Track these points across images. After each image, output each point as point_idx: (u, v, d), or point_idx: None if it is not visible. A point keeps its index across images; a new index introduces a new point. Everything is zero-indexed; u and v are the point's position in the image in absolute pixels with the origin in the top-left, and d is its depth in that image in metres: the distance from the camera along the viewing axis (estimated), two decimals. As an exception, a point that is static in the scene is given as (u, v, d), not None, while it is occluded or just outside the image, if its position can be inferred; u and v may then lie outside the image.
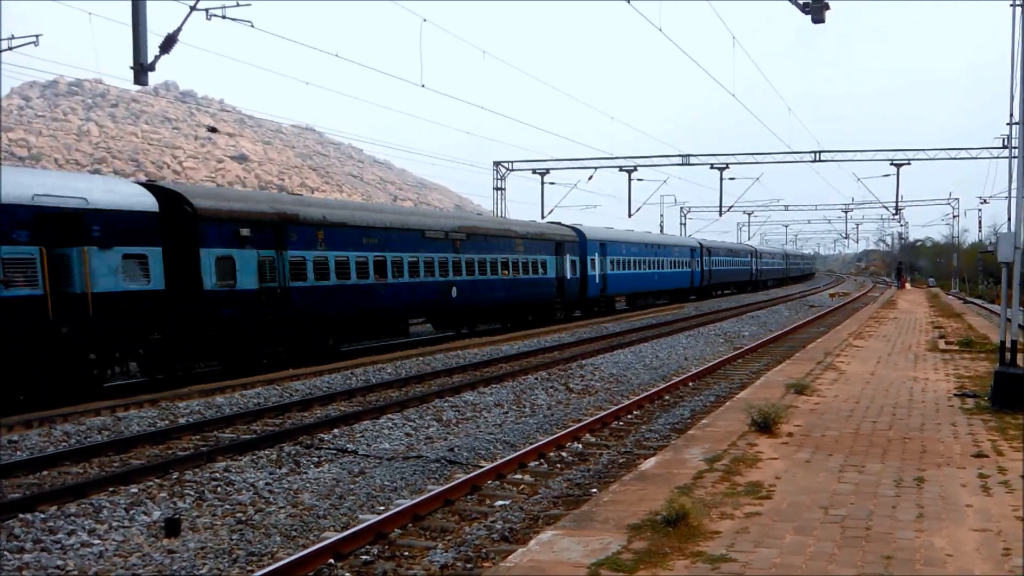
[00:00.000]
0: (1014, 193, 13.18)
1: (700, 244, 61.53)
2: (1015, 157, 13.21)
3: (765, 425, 10.40)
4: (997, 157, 45.76)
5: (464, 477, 10.52)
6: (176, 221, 18.12)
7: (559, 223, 40.82)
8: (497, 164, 48.93)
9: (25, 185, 15.43)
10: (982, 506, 7.28)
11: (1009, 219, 16.23)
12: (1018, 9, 12.68)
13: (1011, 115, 13.54)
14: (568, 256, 37.64)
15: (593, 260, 40.22)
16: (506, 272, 32.35)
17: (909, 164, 48.31)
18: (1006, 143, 33.18)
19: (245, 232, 19.66)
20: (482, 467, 11.18)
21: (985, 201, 69.41)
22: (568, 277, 37.54)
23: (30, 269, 14.99)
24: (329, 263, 22.37)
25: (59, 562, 8.07)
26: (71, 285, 15.73)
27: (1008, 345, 12.47)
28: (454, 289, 28.48)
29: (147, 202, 17.56)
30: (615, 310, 44.89)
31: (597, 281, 40.82)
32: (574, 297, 38.78)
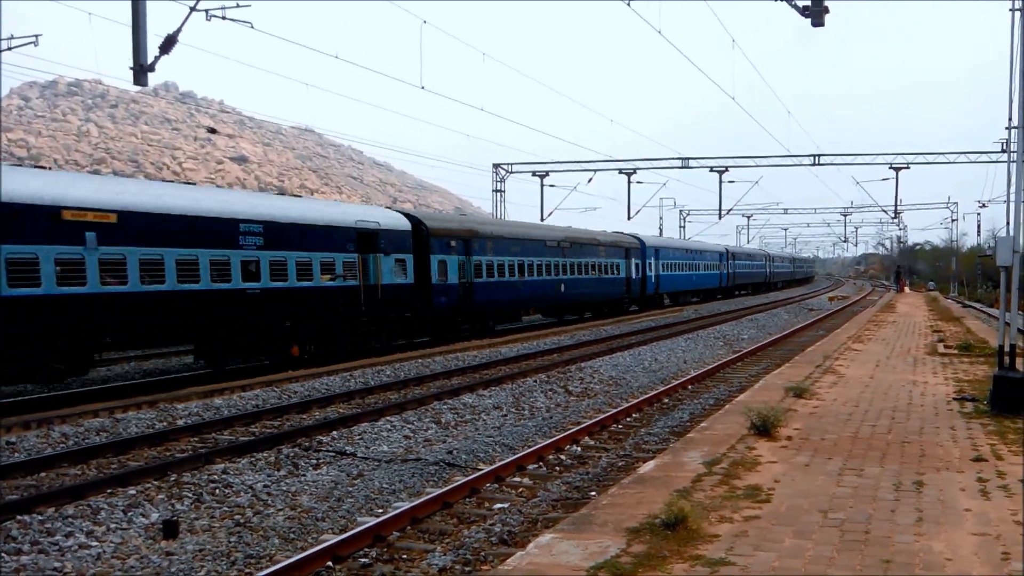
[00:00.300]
0: (1013, 197, 13.18)
1: (726, 249, 69.03)
2: (1014, 161, 13.21)
3: (764, 428, 10.39)
4: (996, 161, 45.82)
5: (463, 480, 10.50)
6: (416, 237, 26.21)
7: (620, 232, 47.86)
8: (497, 166, 48.92)
9: (351, 214, 24.16)
10: (981, 510, 7.28)
11: (1008, 223, 16.25)
12: (1017, 15, 12.70)
13: (1010, 119, 13.55)
14: (633, 260, 45.52)
15: (650, 263, 47.95)
16: (594, 272, 40.25)
17: (908, 168, 48.34)
18: (1005, 147, 33.22)
19: (453, 243, 28.18)
20: (481, 470, 11.16)
21: (984, 205, 69.54)
22: (634, 277, 45.56)
23: (354, 268, 23.14)
24: (494, 265, 30.77)
25: (56, 564, 8.06)
26: (369, 279, 23.79)
27: (1007, 349, 12.47)
28: (562, 286, 36.72)
29: (405, 224, 25.93)
30: (663, 305, 50.83)
31: (653, 281, 48.55)
32: (636, 294, 46.52)
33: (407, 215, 26.87)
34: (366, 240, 23.66)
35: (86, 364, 17.53)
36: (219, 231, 19.02)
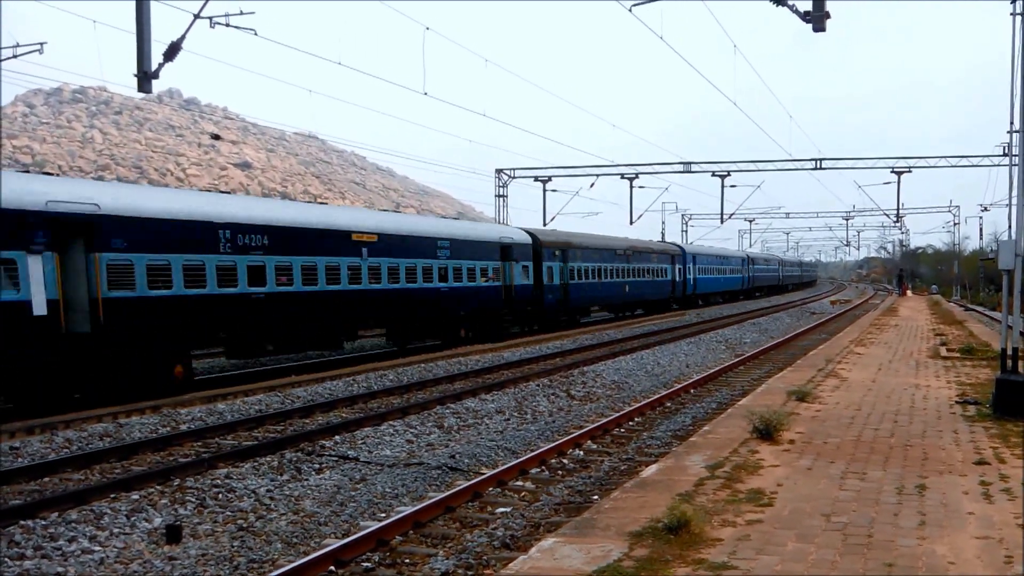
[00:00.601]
0: (1015, 201, 13.19)
1: (747, 255, 76.46)
2: (1015, 165, 13.22)
3: (766, 432, 10.39)
4: (998, 165, 45.75)
5: (465, 484, 10.51)
6: (534, 248, 34.03)
7: (665, 241, 56.90)
8: (499, 172, 48.93)
9: (497, 231, 32.67)
10: (984, 513, 7.27)
11: (1010, 226, 16.24)
12: (1018, 19, 12.71)
13: (1011, 123, 13.55)
14: (677, 265, 53.04)
15: (689, 268, 55.46)
16: (649, 276, 47.78)
17: (910, 172, 48.26)
18: (1006, 151, 33.14)
19: (556, 252, 35.64)
20: (483, 474, 11.17)
21: (986, 208, 69.37)
22: (678, 280, 53.30)
23: (499, 272, 31.15)
24: (583, 270, 38.37)
25: (60, 569, 8.07)
26: (507, 280, 31.66)
27: (1009, 352, 12.46)
28: (627, 287, 44.17)
29: (527, 238, 34.02)
30: (698, 305, 57.65)
31: (691, 283, 56.10)
32: (679, 295, 53.88)
33: (526, 230, 35.06)
34: (505, 251, 31.69)
35: (354, 336, 25.79)
36: (428, 246, 27.10)
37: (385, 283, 24.40)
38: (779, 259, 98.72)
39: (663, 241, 55.48)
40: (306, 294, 21.19)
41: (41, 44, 24.21)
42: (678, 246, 55.88)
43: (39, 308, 14.69)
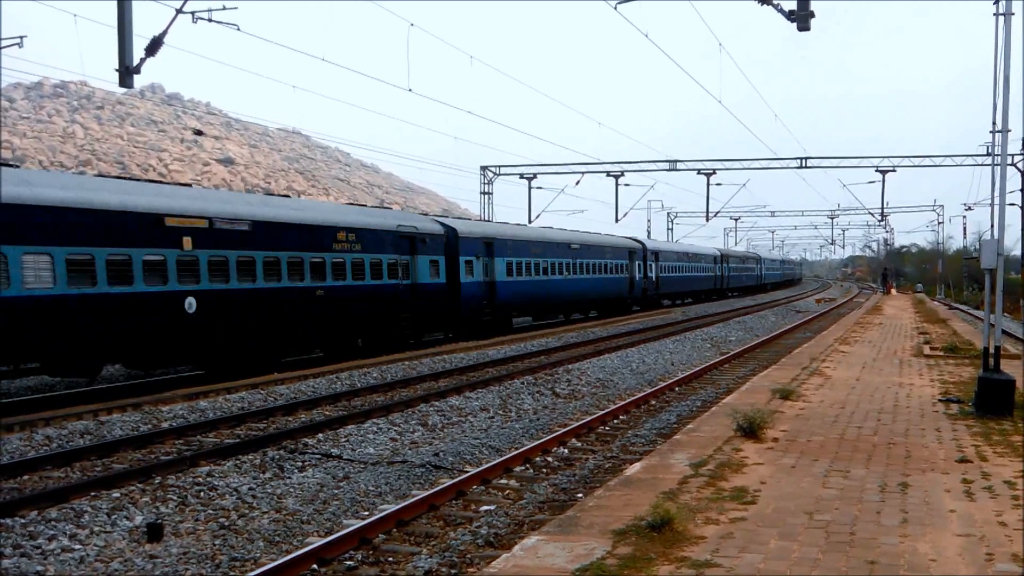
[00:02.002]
0: (997, 200, 13.27)
1: (783, 259, 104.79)
2: (999, 164, 13.30)
3: (751, 430, 10.42)
4: (981, 164, 46.10)
5: (449, 482, 10.48)
6: (723, 259, 71.75)
7: (748, 250, 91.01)
8: (484, 169, 48.87)
9: (709, 254, 69.90)
10: (965, 511, 7.31)
11: (993, 226, 16.32)
12: (1002, 19, 12.78)
13: (994, 123, 13.61)
14: (759, 264, 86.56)
15: (761, 267, 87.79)
16: (750, 272, 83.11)
17: (894, 171, 48.56)
18: (990, 151, 33.32)
19: (723, 259, 71.17)
20: (467, 472, 11.14)
21: (970, 208, 69.60)
22: (757, 274, 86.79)
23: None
24: (734, 270, 75.16)
25: (39, 568, 7.98)
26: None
27: (992, 351, 12.54)
28: (727, 279, 72.62)
29: (716, 252, 71.78)
30: (768, 289, 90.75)
31: (763, 277, 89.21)
32: (759, 283, 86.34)
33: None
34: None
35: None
36: (705, 260, 64.74)
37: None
38: (792, 260, 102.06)
39: (748, 251, 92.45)
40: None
41: (21, 38, 23.94)
42: (756, 253, 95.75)
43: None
